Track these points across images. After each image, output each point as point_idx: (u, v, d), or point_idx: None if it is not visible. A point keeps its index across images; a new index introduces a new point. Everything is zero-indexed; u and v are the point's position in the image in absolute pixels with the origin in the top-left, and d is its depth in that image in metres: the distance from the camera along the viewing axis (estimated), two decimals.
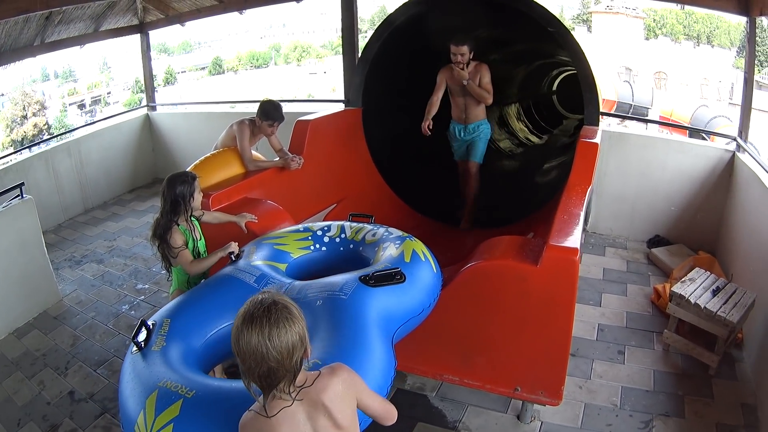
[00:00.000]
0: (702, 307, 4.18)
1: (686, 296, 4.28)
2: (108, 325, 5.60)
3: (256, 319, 1.84)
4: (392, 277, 3.13)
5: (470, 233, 5.95)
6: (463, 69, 5.68)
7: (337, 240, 3.90)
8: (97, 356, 5.13)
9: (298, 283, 3.31)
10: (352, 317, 2.87)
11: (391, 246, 3.55)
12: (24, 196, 5.89)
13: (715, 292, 4.35)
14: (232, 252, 3.68)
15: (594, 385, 4.18)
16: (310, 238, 3.92)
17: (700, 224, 6.00)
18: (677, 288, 4.41)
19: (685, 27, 40.64)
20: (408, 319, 3.14)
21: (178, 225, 3.78)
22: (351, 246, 3.85)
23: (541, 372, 3.53)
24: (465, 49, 5.62)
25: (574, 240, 3.37)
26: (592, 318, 4.99)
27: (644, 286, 5.47)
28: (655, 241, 6.20)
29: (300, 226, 4.09)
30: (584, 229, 6.30)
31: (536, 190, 6.52)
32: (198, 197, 3.87)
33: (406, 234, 3.71)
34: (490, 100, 5.87)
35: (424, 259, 3.42)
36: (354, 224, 3.98)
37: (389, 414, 2.25)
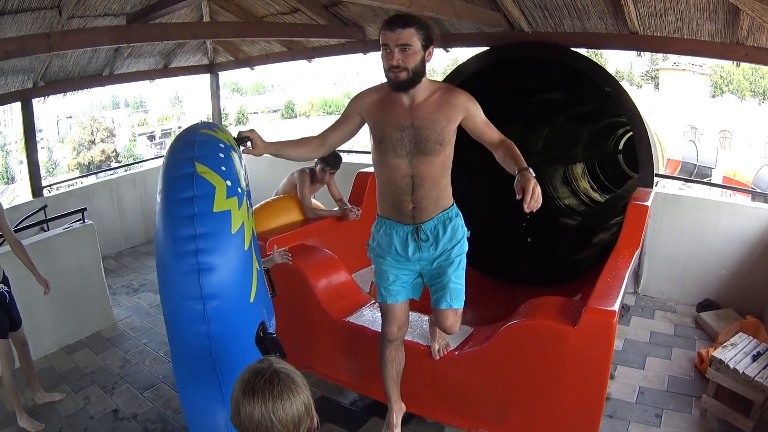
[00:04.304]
0: (740, 372, 4.16)
1: (726, 361, 4.26)
2: (159, 353, 5.76)
3: (258, 392, 1.74)
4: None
5: (522, 291, 5.75)
6: (404, 77, 3.12)
7: None
8: (145, 380, 5.29)
9: None
10: None
11: None
12: (86, 221, 6.19)
13: (755, 358, 4.31)
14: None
15: None
16: None
17: (750, 288, 5.89)
18: (718, 353, 4.39)
19: (751, 83, 39.94)
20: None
21: None
22: None
23: (573, 431, 3.56)
24: (410, 33, 3.06)
25: (613, 303, 3.41)
26: (634, 381, 4.95)
27: (689, 350, 5.40)
28: (705, 305, 6.10)
29: None
30: (635, 292, 6.33)
31: (595, 249, 6.51)
32: None
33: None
34: (516, 147, 3.24)
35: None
36: None
37: None
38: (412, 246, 3.46)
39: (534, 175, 2.90)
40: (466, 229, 3.58)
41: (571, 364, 3.43)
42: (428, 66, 3.21)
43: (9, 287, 4.52)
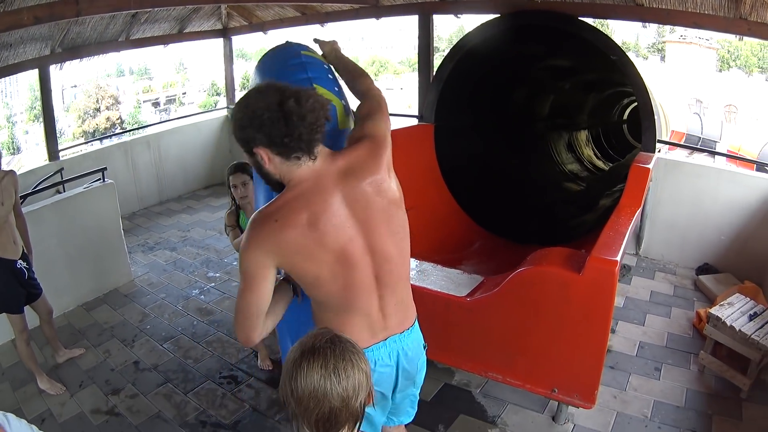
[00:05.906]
0: (737, 329, 4.30)
1: (723, 318, 4.40)
2: (177, 306, 5.93)
3: (319, 351, 1.60)
4: None
5: (530, 249, 5.91)
6: None
7: None
8: (165, 332, 5.46)
9: None
10: None
11: None
12: (105, 180, 6.33)
13: (752, 317, 4.45)
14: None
15: (628, 397, 4.35)
16: None
17: (749, 254, 6.03)
18: (715, 310, 4.53)
19: (759, 59, 39.57)
20: None
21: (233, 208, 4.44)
22: None
23: (577, 375, 3.75)
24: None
25: (615, 254, 3.55)
26: (635, 336, 5.14)
27: (688, 311, 5.57)
28: (704, 269, 6.25)
29: None
30: (636, 254, 6.50)
31: (597, 213, 6.66)
32: (237, 190, 4.34)
33: None
34: None
35: None
36: None
37: None
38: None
39: None
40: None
41: (576, 311, 3.59)
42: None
43: (28, 263, 4.59)
